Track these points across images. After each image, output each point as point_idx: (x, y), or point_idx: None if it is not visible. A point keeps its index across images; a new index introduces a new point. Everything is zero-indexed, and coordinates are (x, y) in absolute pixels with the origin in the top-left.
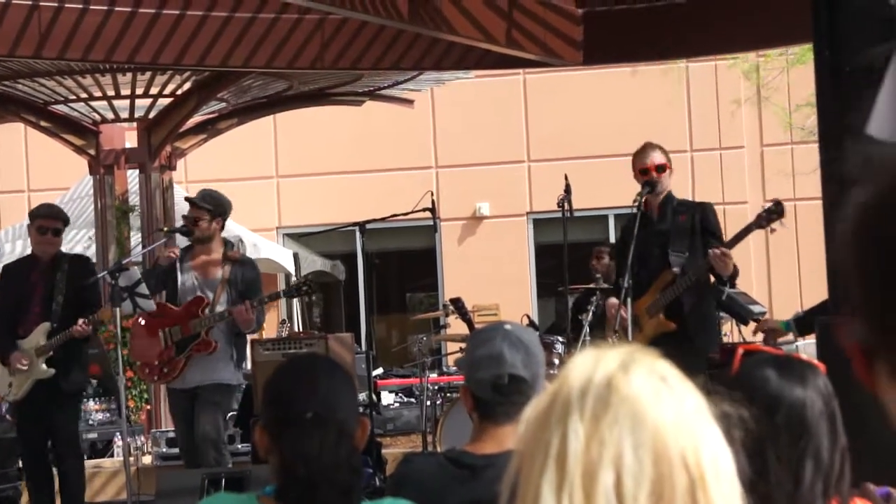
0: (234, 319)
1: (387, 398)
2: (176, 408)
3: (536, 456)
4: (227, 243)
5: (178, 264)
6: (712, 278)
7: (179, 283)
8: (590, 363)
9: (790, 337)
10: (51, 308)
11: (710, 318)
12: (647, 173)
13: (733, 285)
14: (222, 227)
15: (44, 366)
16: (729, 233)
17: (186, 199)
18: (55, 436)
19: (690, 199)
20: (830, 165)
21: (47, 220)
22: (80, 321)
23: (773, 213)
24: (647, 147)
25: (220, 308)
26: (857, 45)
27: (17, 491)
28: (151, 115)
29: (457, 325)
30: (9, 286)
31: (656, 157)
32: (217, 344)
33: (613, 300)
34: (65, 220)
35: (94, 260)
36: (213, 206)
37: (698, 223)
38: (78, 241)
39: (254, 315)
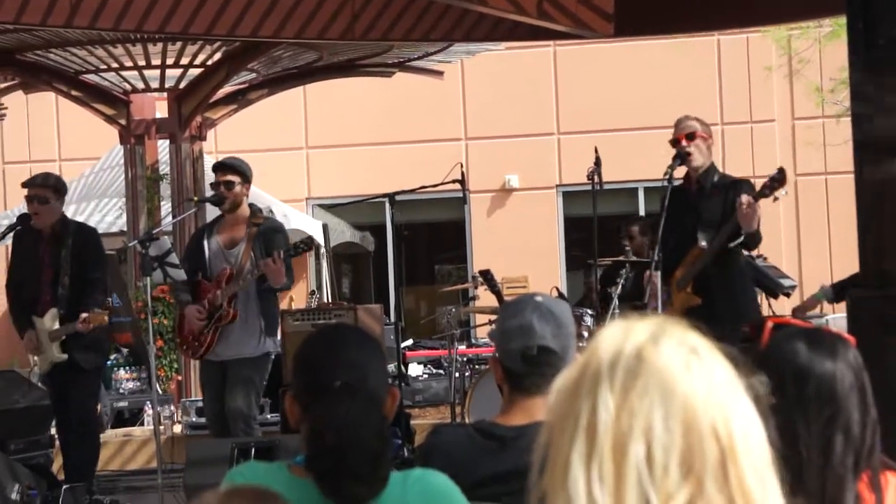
0: (266, 275)
1: (415, 370)
2: (207, 378)
3: (566, 427)
4: (253, 210)
5: (205, 238)
6: (744, 252)
7: (207, 257)
8: (619, 334)
9: (817, 310)
10: (58, 292)
11: (740, 293)
12: (677, 143)
13: (748, 249)
14: (247, 196)
15: (55, 350)
16: None
17: (218, 163)
18: (69, 410)
19: (722, 170)
20: (863, 137)
21: (32, 189)
22: (82, 317)
23: (775, 182)
24: (678, 120)
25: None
26: (891, 18)
27: (48, 458)
28: (182, 85)
29: (486, 297)
30: (19, 259)
31: (687, 127)
32: (236, 312)
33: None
34: (56, 188)
35: (124, 229)
36: (243, 170)
37: (731, 201)
38: (108, 210)
39: (282, 267)
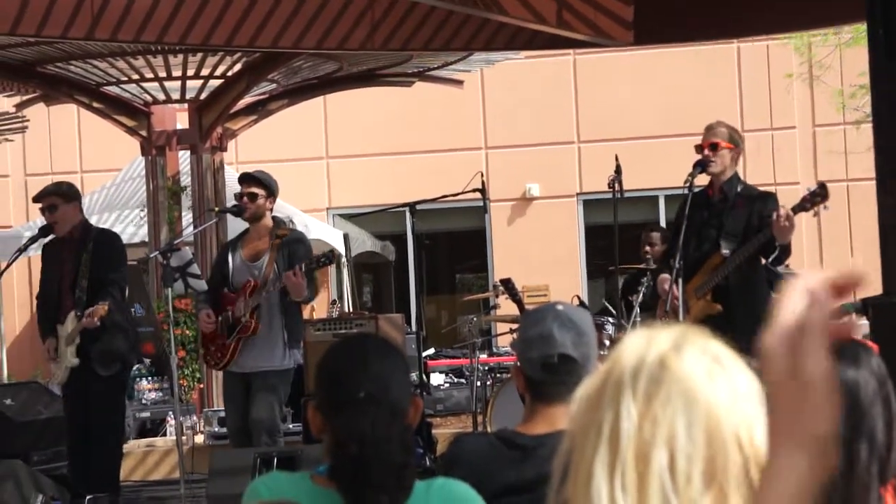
0: (287, 288)
1: (437, 379)
2: (229, 391)
3: (589, 436)
4: (277, 222)
5: (229, 252)
6: (763, 260)
7: (231, 268)
8: (642, 343)
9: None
10: (76, 295)
11: (759, 303)
12: (700, 150)
13: (780, 262)
14: (271, 210)
15: (68, 355)
16: None
17: (244, 174)
18: (92, 421)
19: (743, 179)
20: (885, 143)
21: (41, 200)
22: (87, 311)
23: (816, 196)
24: (709, 125)
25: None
26: None
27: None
28: (202, 96)
29: (507, 306)
30: (46, 267)
31: (713, 136)
32: (258, 325)
33: (665, 276)
34: (61, 193)
35: (146, 240)
36: (269, 184)
37: (756, 214)
38: (129, 221)
39: (303, 280)
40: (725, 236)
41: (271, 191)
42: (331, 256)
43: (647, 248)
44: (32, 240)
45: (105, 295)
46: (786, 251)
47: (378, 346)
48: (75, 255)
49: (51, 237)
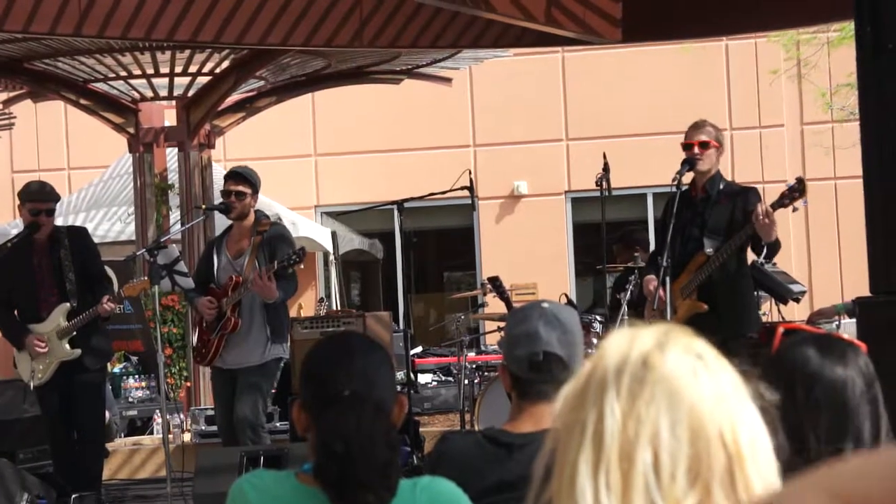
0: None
1: (424, 377)
2: (216, 386)
3: (573, 434)
4: (258, 217)
5: (214, 252)
6: (750, 259)
7: (216, 266)
8: (625, 342)
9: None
10: (66, 288)
11: (744, 301)
12: (689, 149)
13: (771, 258)
14: (254, 206)
15: (67, 347)
16: None
17: (230, 172)
18: (77, 417)
19: (730, 177)
20: (871, 142)
21: (39, 203)
22: (106, 298)
23: (795, 192)
24: (695, 123)
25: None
26: None
27: None
28: (190, 93)
29: (495, 304)
30: (8, 270)
31: (702, 134)
32: (238, 322)
33: (651, 277)
34: (56, 199)
35: (133, 238)
36: (254, 181)
37: (739, 209)
38: (117, 218)
39: (272, 282)
40: (709, 234)
41: (256, 188)
42: (301, 254)
43: (639, 252)
44: (19, 237)
45: (105, 287)
46: (774, 247)
47: (362, 343)
48: (49, 251)
49: (8, 241)
